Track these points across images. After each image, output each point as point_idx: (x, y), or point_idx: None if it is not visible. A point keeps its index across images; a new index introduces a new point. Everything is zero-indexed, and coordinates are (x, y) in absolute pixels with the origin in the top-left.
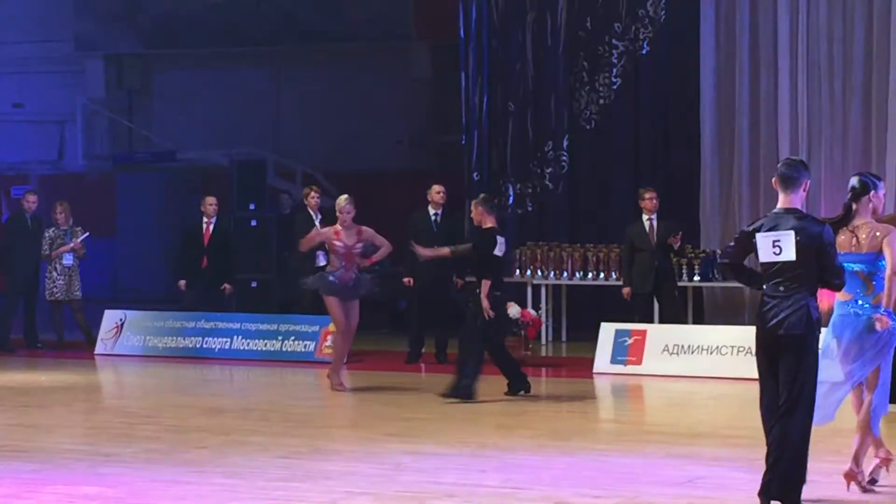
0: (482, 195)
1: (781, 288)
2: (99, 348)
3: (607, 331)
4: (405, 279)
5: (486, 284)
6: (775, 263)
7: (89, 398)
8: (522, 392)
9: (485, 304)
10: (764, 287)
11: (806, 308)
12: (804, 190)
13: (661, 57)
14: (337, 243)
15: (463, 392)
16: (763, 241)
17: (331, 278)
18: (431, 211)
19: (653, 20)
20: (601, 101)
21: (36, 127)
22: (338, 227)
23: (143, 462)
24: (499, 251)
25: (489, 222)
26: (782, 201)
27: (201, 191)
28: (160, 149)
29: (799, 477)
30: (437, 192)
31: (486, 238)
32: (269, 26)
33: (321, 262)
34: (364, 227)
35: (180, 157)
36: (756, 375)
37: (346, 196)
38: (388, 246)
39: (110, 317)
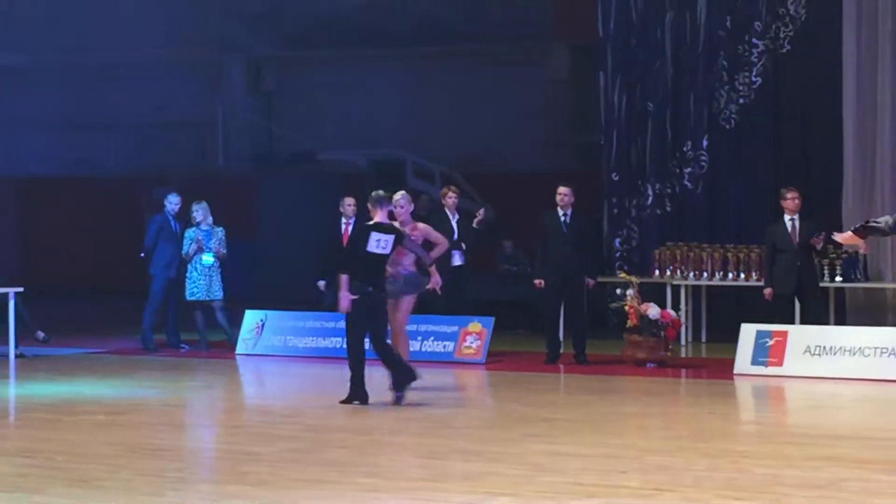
0: (374, 192)
1: None
2: (240, 348)
3: (748, 332)
4: (536, 281)
5: (344, 279)
6: None
7: (231, 397)
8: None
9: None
10: None
11: None
12: None
13: (801, 56)
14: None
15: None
16: None
17: (403, 273)
18: (560, 212)
19: (793, 18)
20: (741, 101)
21: (178, 129)
22: (394, 222)
23: (286, 461)
24: (372, 248)
25: (376, 217)
26: None
27: (341, 191)
28: (300, 149)
29: None
30: (562, 193)
31: (361, 232)
32: (410, 27)
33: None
34: (420, 224)
35: (320, 157)
36: None
37: (402, 192)
38: (444, 243)
39: (251, 317)
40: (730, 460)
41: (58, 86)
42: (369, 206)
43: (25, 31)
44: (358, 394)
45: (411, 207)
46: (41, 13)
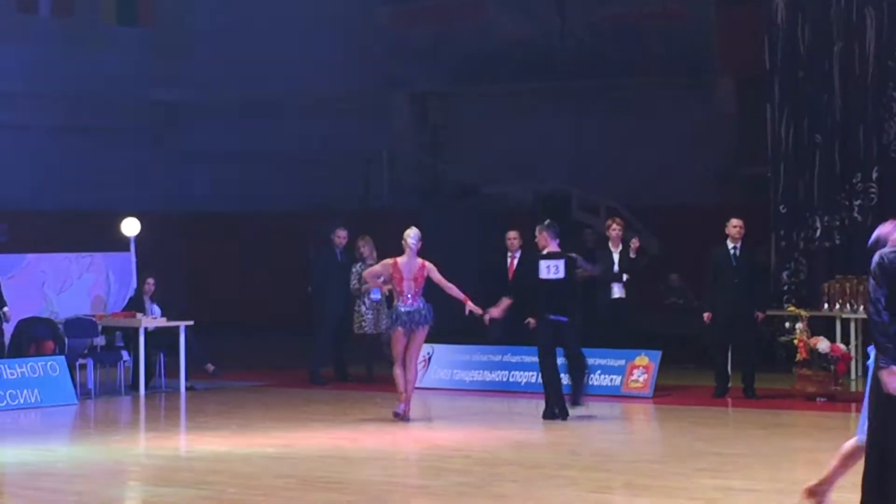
0: (546, 221)
1: None
2: None
3: None
4: (705, 314)
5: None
6: None
7: (397, 430)
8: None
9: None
10: None
11: None
12: None
13: None
14: (399, 273)
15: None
16: None
17: (401, 308)
18: (730, 244)
19: None
20: None
21: (343, 163)
22: (398, 258)
23: (455, 494)
24: (544, 275)
25: (551, 247)
26: None
27: (506, 225)
28: (465, 184)
29: None
30: (734, 225)
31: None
32: (573, 61)
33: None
34: (427, 262)
35: (484, 191)
36: None
37: (415, 230)
38: (454, 290)
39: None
40: None
41: (226, 121)
42: (538, 233)
43: (196, 66)
44: (554, 411)
45: (420, 244)
46: (208, 48)
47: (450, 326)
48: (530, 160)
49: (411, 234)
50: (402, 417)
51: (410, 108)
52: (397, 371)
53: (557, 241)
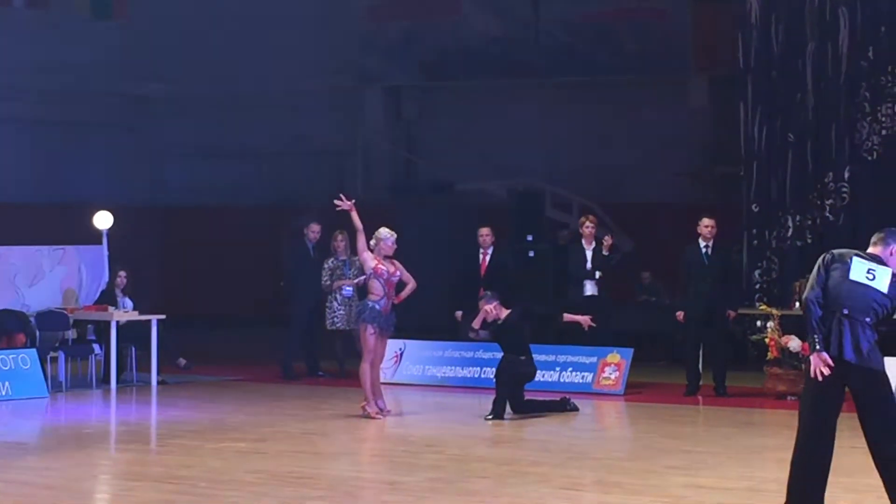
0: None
1: None
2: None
3: (893, 364)
4: (677, 313)
5: None
6: None
7: (371, 426)
8: None
9: None
10: None
11: None
12: None
13: None
14: (381, 267)
15: None
16: None
17: (377, 306)
18: (702, 244)
19: None
20: (883, 132)
21: (316, 158)
22: (377, 256)
23: (427, 490)
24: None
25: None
26: None
27: (478, 222)
28: (438, 179)
29: None
30: (705, 225)
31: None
32: (547, 58)
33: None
34: (395, 261)
35: (458, 187)
36: None
37: (389, 231)
38: (413, 283)
39: (390, 346)
40: (875, 496)
41: (199, 116)
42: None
43: (168, 61)
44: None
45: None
46: (182, 44)
47: (421, 323)
48: (504, 156)
49: (390, 238)
50: (383, 414)
51: (384, 102)
52: (366, 367)
53: (496, 301)
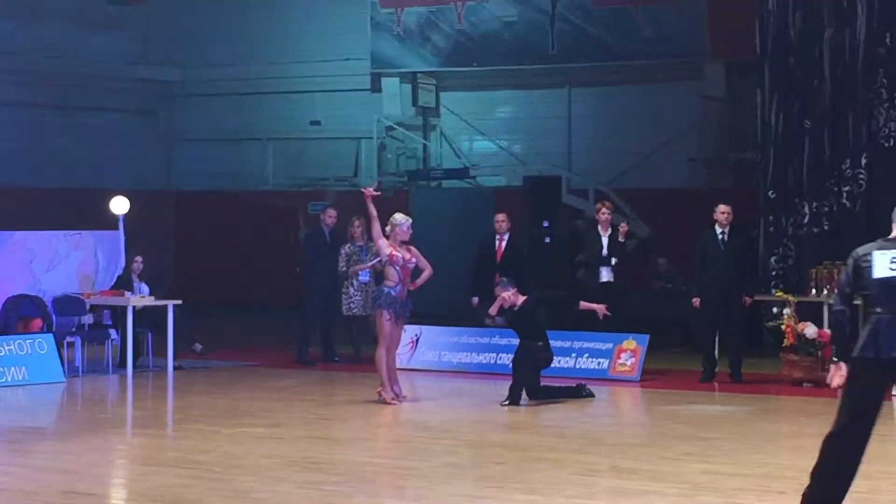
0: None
1: None
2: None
3: None
4: (693, 299)
5: None
6: None
7: (387, 412)
8: None
9: None
10: None
11: None
12: None
13: None
14: (397, 255)
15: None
16: None
17: (393, 293)
18: (718, 230)
19: None
20: None
21: (333, 144)
22: (392, 242)
23: (443, 476)
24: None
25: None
26: None
27: (494, 208)
28: (454, 166)
29: None
30: (721, 211)
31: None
32: (563, 44)
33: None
34: (411, 247)
35: (474, 174)
36: None
37: (405, 216)
38: (430, 270)
39: (406, 332)
40: (892, 482)
41: (215, 101)
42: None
43: (182, 45)
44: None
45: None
46: (198, 29)
47: (438, 309)
48: (521, 143)
49: (406, 223)
50: (399, 399)
51: (400, 89)
52: (382, 353)
53: (513, 288)
